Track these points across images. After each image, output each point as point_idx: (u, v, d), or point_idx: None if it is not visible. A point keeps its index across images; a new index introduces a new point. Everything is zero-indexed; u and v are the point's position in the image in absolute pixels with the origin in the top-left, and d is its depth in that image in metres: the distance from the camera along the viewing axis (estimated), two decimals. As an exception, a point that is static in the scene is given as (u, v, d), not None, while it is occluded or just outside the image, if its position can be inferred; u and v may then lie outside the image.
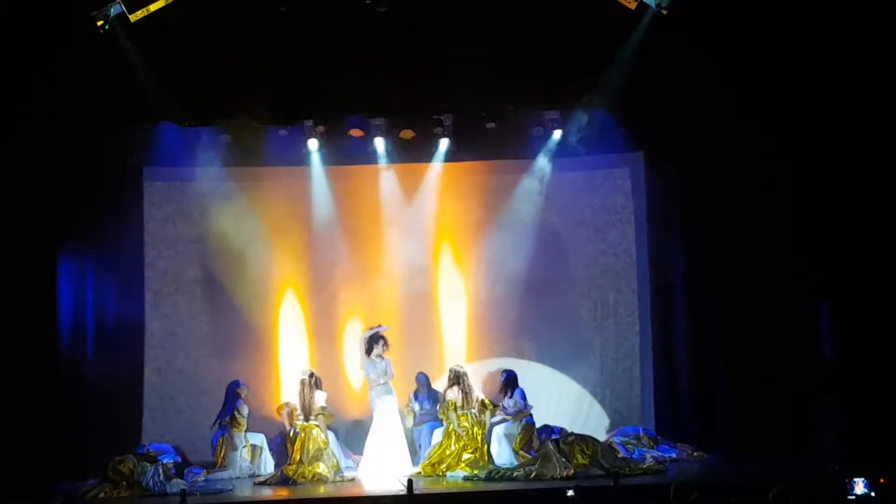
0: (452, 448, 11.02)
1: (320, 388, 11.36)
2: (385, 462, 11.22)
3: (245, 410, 11.65)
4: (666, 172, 12.84)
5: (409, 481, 9.64)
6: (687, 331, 12.58)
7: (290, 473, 10.82)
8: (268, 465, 11.66)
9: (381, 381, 11.48)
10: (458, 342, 13.21)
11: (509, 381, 11.84)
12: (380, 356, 11.51)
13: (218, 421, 11.54)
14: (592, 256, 13.41)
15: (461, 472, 10.89)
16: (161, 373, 12.78)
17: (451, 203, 13.31)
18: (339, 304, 13.17)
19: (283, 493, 10.34)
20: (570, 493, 8.79)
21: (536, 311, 13.22)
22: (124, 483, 10.25)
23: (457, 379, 11.28)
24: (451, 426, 11.14)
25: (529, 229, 13.19)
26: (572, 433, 11.04)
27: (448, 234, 13.36)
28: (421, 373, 12.38)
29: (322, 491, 10.29)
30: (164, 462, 10.75)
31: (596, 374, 13.17)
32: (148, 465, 10.42)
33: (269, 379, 12.86)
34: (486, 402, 11.39)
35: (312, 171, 13.02)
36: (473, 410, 11.17)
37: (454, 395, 11.21)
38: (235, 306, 12.85)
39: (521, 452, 11.40)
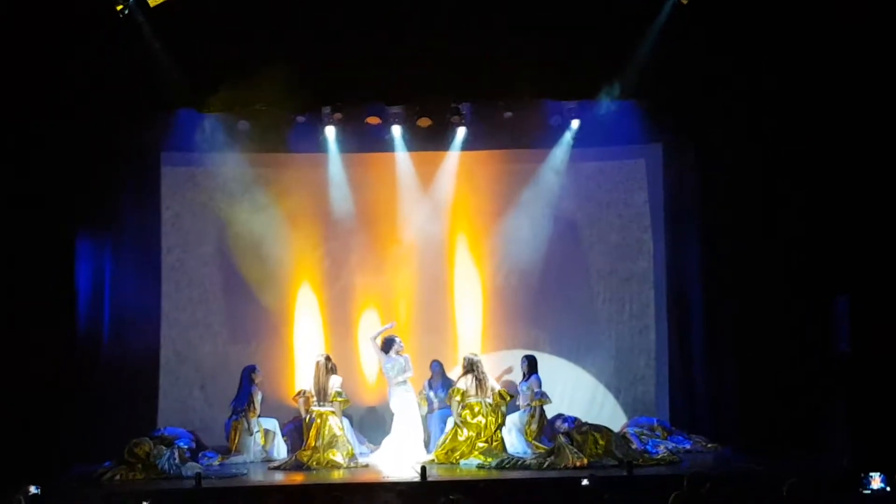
0: (465, 436, 11.07)
1: (335, 373, 11.40)
2: (400, 449, 11.29)
3: (259, 396, 11.72)
4: (683, 164, 12.81)
5: (423, 468, 9.73)
6: (702, 323, 12.54)
7: (305, 459, 10.90)
8: (280, 450, 11.71)
9: (401, 378, 11.54)
10: (473, 332, 13.20)
11: (529, 366, 11.87)
12: (398, 353, 11.58)
13: (234, 407, 11.67)
14: (609, 248, 13.38)
15: (475, 459, 10.93)
16: (177, 357, 12.81)
17: (468, 192, 13.29)
18: (355, 291, 13.19)
19: (297, 478, 10.38)
20: (585, 482, 8.85)
21: (552, 301, 13.25)
22: (140, 466, 10.33)
23: (470, 367, 11.29)
24: (457, 415, 11.20)
25: (546, 219, 13.19)
26: (586, 423, 11.06)
27: (464, 223, 13.36)
28: (435, 361, 12.39)
29: (336, 476, 10.39)
30: (180, 446, 10.78)
31: (610, 366, 13.18)
32: (164, 448, 10.50)
33: (283, 365, 12.91)
34: (503, 392, 11.41)
35: (329, 159, 13.00)
36: (488, 399, 11.20)
37: (467, 383, 11.23)
38: (252, 292, 12.90)
39: (534, 442, 11.50)
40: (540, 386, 11.76)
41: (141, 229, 12.48)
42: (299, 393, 11.66)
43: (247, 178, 12.80)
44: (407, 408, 11.52)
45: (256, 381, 11.73)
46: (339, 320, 13.17)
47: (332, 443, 10.95)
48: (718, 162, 12.29)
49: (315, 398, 11.19)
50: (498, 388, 11.45)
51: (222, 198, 12.89)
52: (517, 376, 12.51)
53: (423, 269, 13.18)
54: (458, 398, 11.22)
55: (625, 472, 9.68)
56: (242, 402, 11.56)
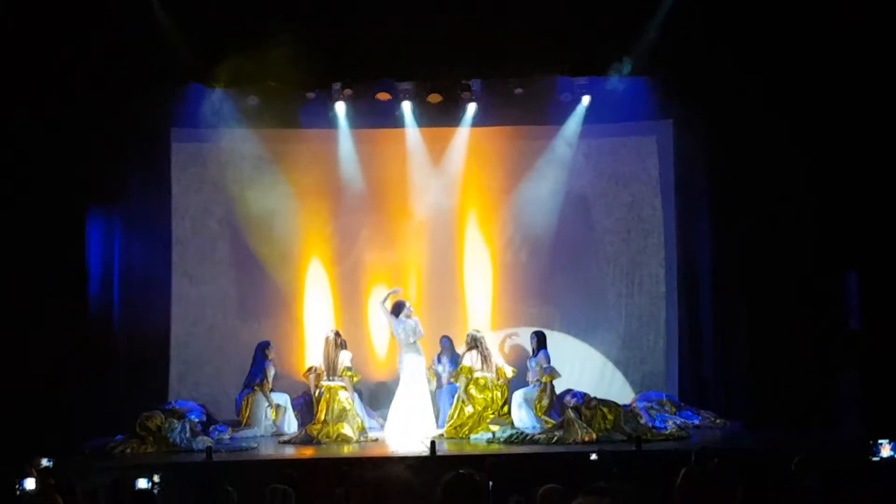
0: (472, 411, 11.10)
1: (345, 349, 11.41)
2: (409, 423, 11.31)
3: (273, 372, 11.78)
4: (694, 141, 12.71)
5: (433, 443, 9.73)
6: (712, 299, 12.49)
7: (315, 433, 10.92)
8: (291, 424, 11.73)
9: (411, 339, 11.53)
10: (483, 308, 13.23)
11: (538, 342, 11.85)
12: (408, 316, 11.57)
13: (247, 381, 11.71)
14: (618, 224, 13.39)
15: (484, 433, 10.97)
16: (187, 332, 12.84)
17: (478, 167, 13.28)
18: (365, 267, 13.21)
19: (307, 452, 10.39)
20: (594, 456, 8.87)
21: (562, 278, 13.25)
22: (151, 439, 10.33)
23: (474, 343, 11.34)
24: (462, 391, 11.21)
25: (556, 196, 13.17)
26: (595, 398, 11.06)
27: (475, 198, 13.36)
28: (445, 336, 12.37)
29: (346, 451, 10.41)
30: (191, 419, 10.78)
31: (620, 343, 13.18)
32: (175, 421, 10.45)
33: (293, 340, 12.94)
34: (500, 371, 11.43)
35: (339, 135, 12.97)
36: (493, 375, 11.27)
37: (472, 359, 11.26)
38: (261, 268, 12.92)
39: (543, 417, 11.42)
40: (549, 361, 11.72)
41: (151, 205, 12.45)
42: (310, 369, 11.70)
43: (256, 154, 12.79)
44: (415, 370, 11.50)
45: (270, 356, 11.78)
46: (350, 296, 13.20)
47: (341, 417, 10.96)
48: (729, 137, 12.15)
49: (325, 373, 11.20)
50: (502, 364, 11.50)
51: (232, 174, 12.88)
52: (524, 352, 12.54)
53: (434, 245, 13.20)
54: (465, 375, 11.24)
55: (633, 446, 9.68)
56: (256, 376, 11.60)
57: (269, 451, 10.60)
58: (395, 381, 11.80)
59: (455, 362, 11.99)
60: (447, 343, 12.35)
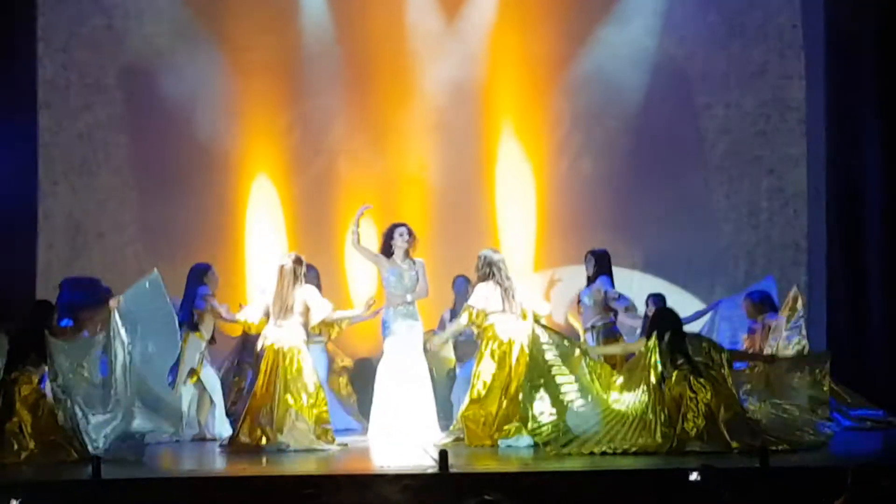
0: (493, 378, 10.90)
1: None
2: (403, 423, 11.23)
3: (218, 309, 11.71)
4: None
5: (443, 453, 9.49)
6: (883, 237, 12.56)
7: (246, 435, 10.77)
8: (221, 425, 11.79)
9: (408, 297, 11.48)
10: (523, 243, 13.42)
11: (597, 265, 12.06)
12: (407, 257, 11.49)
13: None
14: (735, 114, 13.53)
15: (520, 438, 10.77)
16: (62, 274, 12.64)
17: (517, 26, 13.38)
18: (338, 182, 13.33)
19: (247, 466, 10.13)
20: (694, 475, 8.68)
21: (644, 198, 13.35)
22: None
23: (489, 268, 11.09)
24: (483, 348, 11.03)
25: (637, 69, 13.36)
26: (708, 339, 10.77)
27: (510, 76, 13.44)
28: (461, 276, 12.19)
29: (313, 468, 10.11)
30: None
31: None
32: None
33: (228, 293, 12.58)
34: (536, 315, 11.14)
35: None
36: (516, 319, 11.01)
37: (486, 293, 11.01)
38: (179, 184, 13.09)
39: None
40: (612, 286, 11.94)
41: (5, 84, 12.58)
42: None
43: (173, 6, 13.14)
44: (406, 342, 11.41)
45: (210, 283, 11.79)
46: (313, 228, 13.30)
47: (290, 388, 10.84)
48: None
49: (274, 319, 10.98)
50: (530, 306, 11.19)
51: (132, 35, 13.19)
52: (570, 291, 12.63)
53: (447, 149, 13.38)
54: (472, 321, 11.06)
55: (756, 461, 9.46)
56: (186, 313, 11.59)
57: (188, 461, 10.61)
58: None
59: None
60: (464, 287, 12.10)
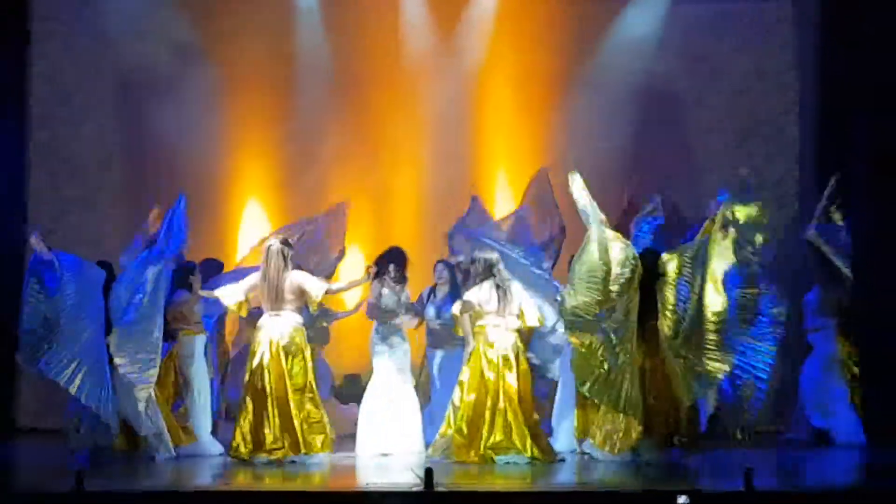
0: (489, 403, 10.64)
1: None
2: (389, 436, 11.16)
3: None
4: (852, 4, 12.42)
5: (428, 471, 9.14)
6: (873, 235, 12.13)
7: (240, 449, 10.52)
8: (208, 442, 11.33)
9: (397, 320, 11.40)
10: None
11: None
12: (400, 280, 11.36)
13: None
14: (731, 131, 13.62)
15: (516, 456, 10.58)
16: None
17: (512, 47, 13.43)
18: (330, 194, 13.17)
19: (232, 482, 10.01)
20: (682, 499, 8.61)
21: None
22: None
23: (489, 269, 10.85)
24: (473, 351, 10.76)
25: (631, 91, 13.33)
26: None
27: (504, 94, 13.53)
28: (443, 261, 11.89)
29: (299, 484, 9.94)
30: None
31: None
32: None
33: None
34: (540, 317, 10.99)
35: None
36: (511, 323, 10.81)
37: (480, 296, 10.78)
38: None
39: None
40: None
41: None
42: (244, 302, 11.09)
43: (164, 13, 13.21)
44: (395, 361, 11.27)
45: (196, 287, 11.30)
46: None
47: (291, 388, 10.63)
48: None
49: (266, 308, 10.71)
50: (529, 308, 10.95)
51: (124, 43, 13.19)
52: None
53: (440, 163, 13.36)
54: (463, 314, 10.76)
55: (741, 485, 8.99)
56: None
57: (172, 474, 10.29)
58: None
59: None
60: (446, 273, 11.81)
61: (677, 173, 13.39)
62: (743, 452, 11.34)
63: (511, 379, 10.73)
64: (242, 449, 10.58)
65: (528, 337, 11.39)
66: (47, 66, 13.30)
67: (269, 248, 10.76)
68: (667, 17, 13.39)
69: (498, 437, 10.66)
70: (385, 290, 11.36)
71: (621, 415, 10.88)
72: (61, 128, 13.33)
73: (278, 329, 10.64)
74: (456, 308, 10.90)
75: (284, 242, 10.82)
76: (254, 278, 10.80)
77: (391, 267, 11.38)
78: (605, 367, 10.52)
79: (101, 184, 13.40)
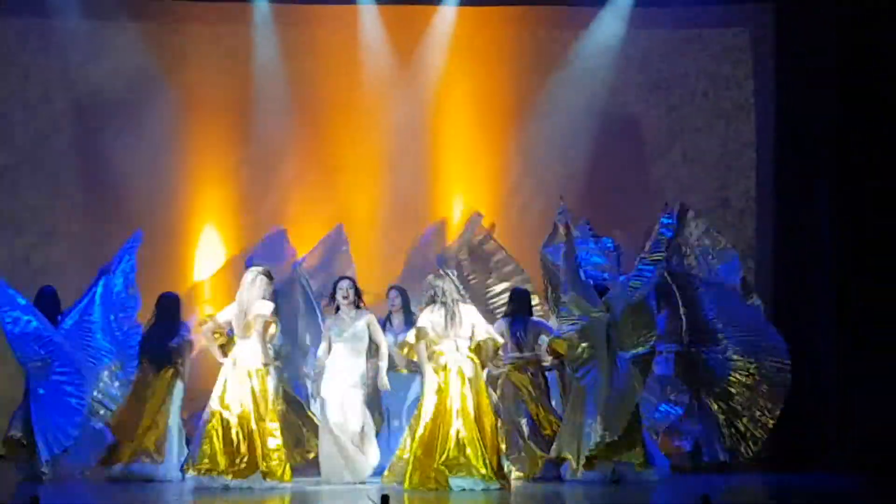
0: (445, 420, 10.50)
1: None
2: (341, 461, 10.96)
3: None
4: (809, 33, 12.63)
5: (384, 498, 9.07)
6: (834, 305, 12.22)
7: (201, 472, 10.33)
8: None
9: (350, 343, 11.11)
10: None
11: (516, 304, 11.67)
12: (355, 307, 11.10)
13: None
14: (689, 157, 13.60)
15: (471, 479, 10.41)
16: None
17: (470, 72, 13.43)
18: (287, 220, 13.10)
19: None
20: None
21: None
22: None
23: (432, 291, 10.73)
24: (429, 374, 10.65)
25: (590, 116, 13.33)
26: None
27: (462, 117, 13.47)
28: (395, 287, 11.87)
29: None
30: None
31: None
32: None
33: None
34: (495, 340, 10.91)
35: (255, 11, 13.30)
36: (462, 342, 10.67)
37: (432, 318, 10.66)
38: (127, 219, 12.58)
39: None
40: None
41: None
42: (206, 319, 11.04)
43: (117, 38, 13.18)
44: (349, 386, 11.01)
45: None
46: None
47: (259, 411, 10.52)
48: (864, 28, 12.02)
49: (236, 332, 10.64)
50: (481, 330, 10.86)
51: (77, 67, 13.20)
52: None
53: (398, 188, 13.34)
54: (417, 343, 10.66)
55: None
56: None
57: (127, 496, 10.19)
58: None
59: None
60: (400, 300, 11.83)
61: (635, 198, 13.26)
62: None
63: (469, 400, 10.61)
64: (203, 471, 10.44)
65: (493, 354, 11.25)
66: (2, 90, 13.30)
67: (244, 276, 10.78)
68: (625, 42, 13.39)
69: (452, 453, 10.53)
70: (333, 323, 11.18)
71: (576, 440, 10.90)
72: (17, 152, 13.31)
73: (244, 353, 10.61)
74: (410, 336, 10.83)
75: (269, 274, 10.82)
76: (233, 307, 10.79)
77: (336, 295, 11.20)
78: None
79: (56, 205, 13.31)
